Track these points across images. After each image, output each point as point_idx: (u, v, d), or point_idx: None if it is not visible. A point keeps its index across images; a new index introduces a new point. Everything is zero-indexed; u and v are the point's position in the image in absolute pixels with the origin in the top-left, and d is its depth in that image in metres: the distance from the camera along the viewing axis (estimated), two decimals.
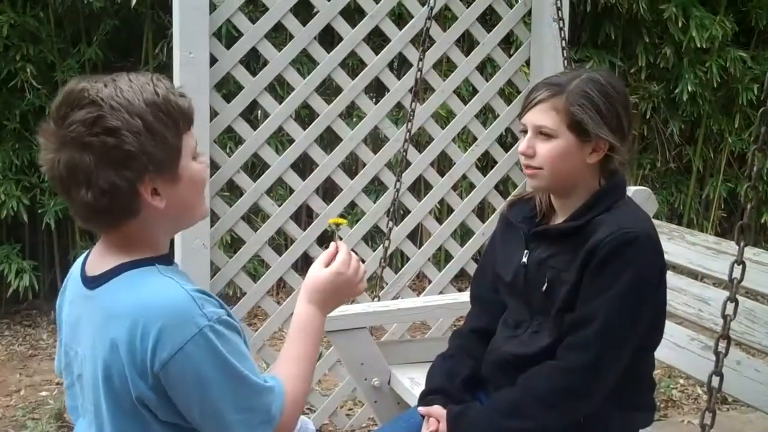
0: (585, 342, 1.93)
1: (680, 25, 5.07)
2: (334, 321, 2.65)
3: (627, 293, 1.91)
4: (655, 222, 2.73)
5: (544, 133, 1.99)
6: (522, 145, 2.03)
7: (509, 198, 2.27)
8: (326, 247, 1.76)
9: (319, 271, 1.72)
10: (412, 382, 2.63)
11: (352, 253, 1.76)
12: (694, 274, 2.65)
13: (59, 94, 1.50)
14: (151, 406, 1.50)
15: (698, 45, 5.05)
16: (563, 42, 3.34)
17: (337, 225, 1.90)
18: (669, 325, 2.45)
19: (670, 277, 2.55)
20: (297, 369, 1.65)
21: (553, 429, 1.96)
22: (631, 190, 2.75)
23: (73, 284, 1.65)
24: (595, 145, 1.99)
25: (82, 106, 1.46)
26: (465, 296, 2.81)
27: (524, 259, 2.07)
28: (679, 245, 2.63)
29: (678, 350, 2.52)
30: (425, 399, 2.15)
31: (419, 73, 3.25)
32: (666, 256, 2.45)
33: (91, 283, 1.57)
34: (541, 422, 1.95)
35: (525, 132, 2.04)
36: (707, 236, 2.69)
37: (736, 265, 1.84)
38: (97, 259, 1.59)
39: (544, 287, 2.00)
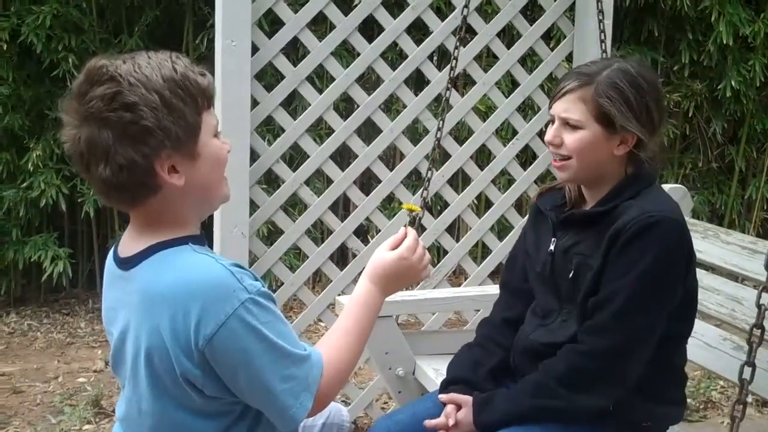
0: (603, 324, 1.89)
1: (721, 21, 4.99)
2: None
3: (649, 275, 1.86)
4: (690, 221, 2.70)
5: (570, 125, 1.97)
6: (549, 134, 2.01)
7: (540, 187, 2.24)
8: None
9: (384, 254, 1.75)
10: (436, 372, 2.61)
11: (419, 240, 1.77)
12: (728, 275, 2.59)
13: (81, 72, 1.51)
14: (197, 383, 1.50)
15: (725, 42, 4.96)
16: (602, 35, 3.30)
17: (410, 211, 1.90)
18: (701, 325, 2.41)
19: (704, 276, 2.50)
20: (344, 340, 1.66)
21: (582, 412, 1.92)
22: (667, 188, 2.71)
23: (109, 268, 1.66)
24: (623, 137, 1.96)
25: (101, 82, 1.47)
26: (495, 289, 2.78)
27: (551, 247, 2.04)
28: (714, 244, 2.59)
29: (710, 350, 2.47)
30: (447, 388, 2.13)
31: (455, 61, 3.18)
32: (700, 255, 2.40)
33: (124, 264, 1.58)
34: (569, 403, 1.90)
35: (553, 121, 2.01)
36: (743, 236, 2.63)
37: None
38: (129, 240, 1.60)
39: (571, 275, 1.97)
